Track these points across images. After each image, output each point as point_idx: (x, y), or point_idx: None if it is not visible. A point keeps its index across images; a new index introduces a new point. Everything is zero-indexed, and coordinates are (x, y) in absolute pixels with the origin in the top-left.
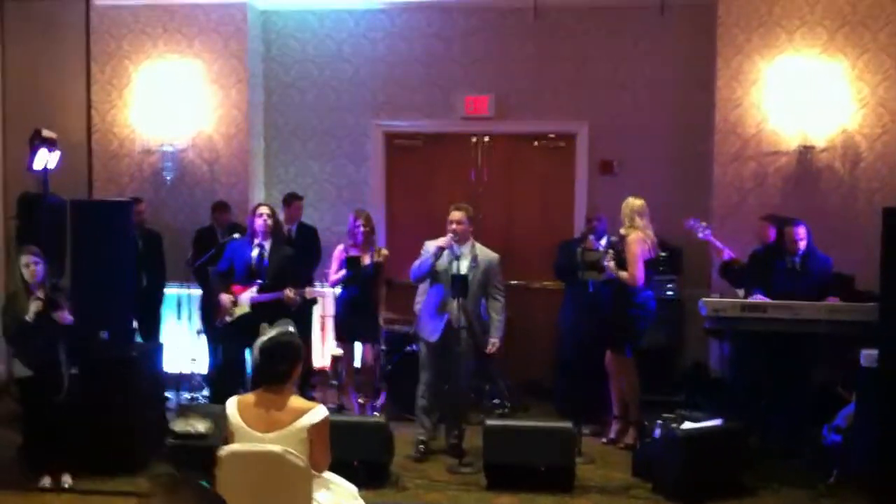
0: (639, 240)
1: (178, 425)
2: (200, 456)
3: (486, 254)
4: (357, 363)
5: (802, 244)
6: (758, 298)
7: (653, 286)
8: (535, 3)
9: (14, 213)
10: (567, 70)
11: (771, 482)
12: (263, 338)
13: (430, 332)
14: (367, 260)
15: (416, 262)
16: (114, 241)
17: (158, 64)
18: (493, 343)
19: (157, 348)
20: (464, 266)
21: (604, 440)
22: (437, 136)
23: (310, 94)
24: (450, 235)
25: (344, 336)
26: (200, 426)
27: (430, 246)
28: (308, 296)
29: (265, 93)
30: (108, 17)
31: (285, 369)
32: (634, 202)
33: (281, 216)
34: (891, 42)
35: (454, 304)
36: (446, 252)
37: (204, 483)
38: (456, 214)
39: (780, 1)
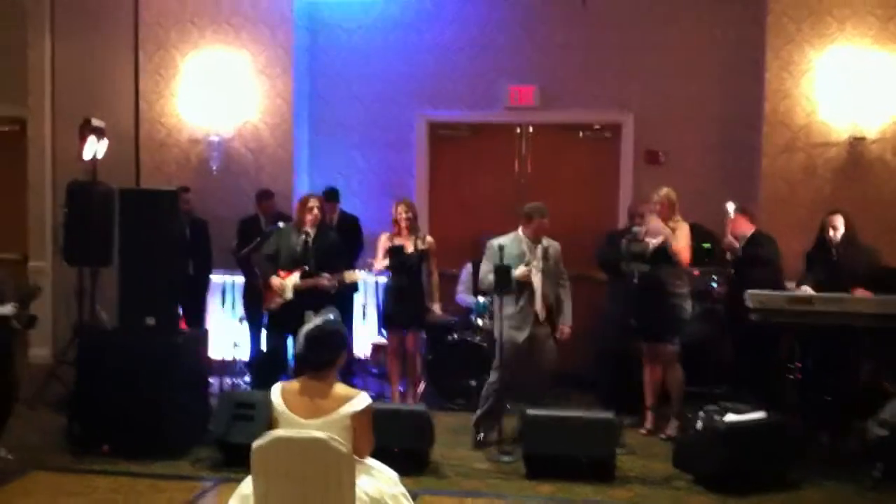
0: (687, 230)
1: None
2: None
3: (551, 243)
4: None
5: (837, 234)
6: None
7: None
8: None
9: (64, 202)
10: (613, 59)
11: (815, 476)
12: (309, 325)
13: (517, 334)
14: (410, 248)
15: (492, 277)
16: (161, 229)
17: (205, 54)
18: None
19: (202, 335)
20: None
21: (643, 431)
22: (482, 126)
23: (355, 85)
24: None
25: (389, 324)
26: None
27: (496, 248)
28: (347, 280)
29: (310, 83)
30: (155, 7)
31: (330, 357)
32: (672, 192)
33: None
34: None
35: (538, 301)
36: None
37: None
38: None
39: None
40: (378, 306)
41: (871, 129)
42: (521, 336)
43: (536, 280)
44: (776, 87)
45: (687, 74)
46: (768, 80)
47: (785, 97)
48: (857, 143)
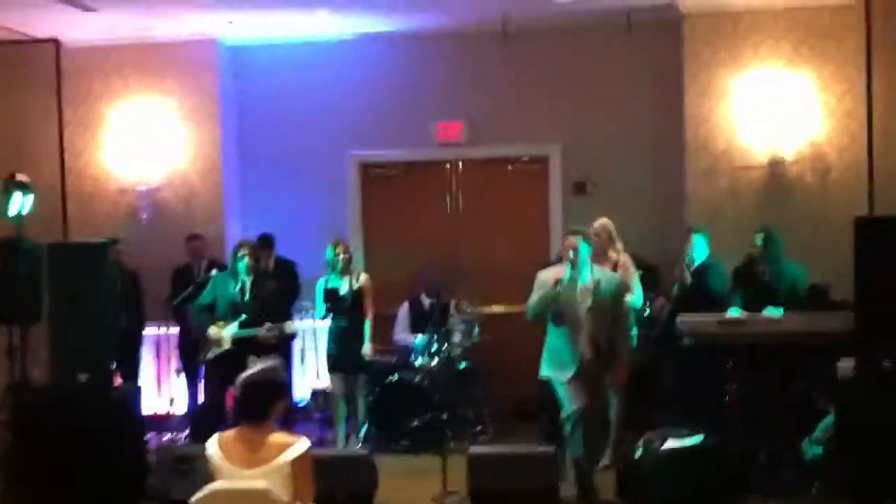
0: (630, 261)
1: None
2: None
3: (605, 275)
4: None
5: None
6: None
7: None
8: (504, 27)
9: None
10: (538, 92)
11: (756, 497)
12: (245, 374)
13: (560, 374)
14: (345, 289)
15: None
16: (92, 282)
17: (130, 103)
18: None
19: (136, 390)
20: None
21: None
22: (412, 164)
23: (283, 127)
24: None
25: (331, 367)
26: None
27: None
28: (287, 331)
29: (238, 127)
30: (78, 57)
31: (267, 405)
32: (610, 223)
33: None
34: (856, 52)
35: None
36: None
37: None
38: (572, 240)
39: (745, 15)
40: (323, 350)
41: (790, 151)
42: (564, 376)
43: (583, 316)
44: (695, 112)
45: (611, 104)
46: (687, 106)
47: (704, 122)
48: (777, 164)
